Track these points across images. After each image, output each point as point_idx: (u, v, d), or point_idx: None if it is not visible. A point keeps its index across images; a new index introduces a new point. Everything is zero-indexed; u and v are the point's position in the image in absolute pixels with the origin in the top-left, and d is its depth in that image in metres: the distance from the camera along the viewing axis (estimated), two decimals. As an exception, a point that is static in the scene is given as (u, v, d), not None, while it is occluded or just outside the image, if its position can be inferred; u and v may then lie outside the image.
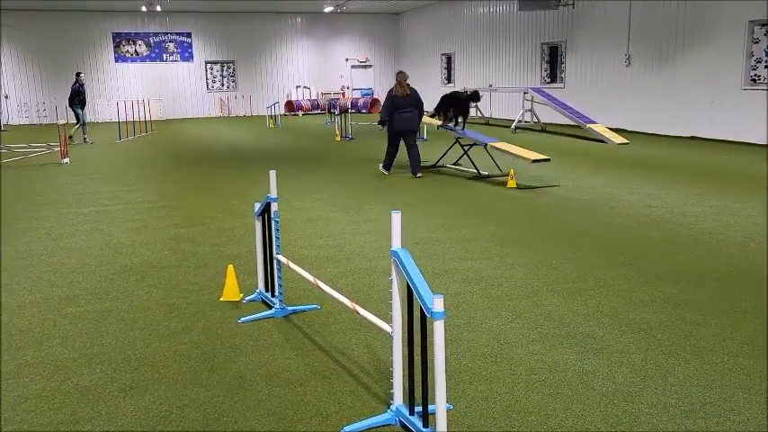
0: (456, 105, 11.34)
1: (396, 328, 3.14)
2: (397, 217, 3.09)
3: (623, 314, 4.47)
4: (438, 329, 2.66)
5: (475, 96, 11.53)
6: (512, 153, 10.32)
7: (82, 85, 18.34)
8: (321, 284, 4.02)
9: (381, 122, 10.95)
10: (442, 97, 11.59)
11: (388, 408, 3.22)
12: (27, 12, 26.22)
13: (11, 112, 26.93)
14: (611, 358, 3.77)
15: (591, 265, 5.67)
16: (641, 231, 6.86)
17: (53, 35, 26.89)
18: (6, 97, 26.85)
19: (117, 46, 28.16)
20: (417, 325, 2.94)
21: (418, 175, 10.82)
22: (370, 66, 32.00)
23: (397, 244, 3.10)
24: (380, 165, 11.34)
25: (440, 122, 11.81)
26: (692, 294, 4.85)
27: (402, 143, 11.01)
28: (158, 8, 26.26)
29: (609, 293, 4.90)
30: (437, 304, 2.67)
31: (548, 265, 5.69)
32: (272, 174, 4.56)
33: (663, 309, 4.56)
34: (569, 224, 7.29)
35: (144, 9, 26.46)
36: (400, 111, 10.59)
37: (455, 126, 11.44)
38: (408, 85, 10.75)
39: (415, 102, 10.68)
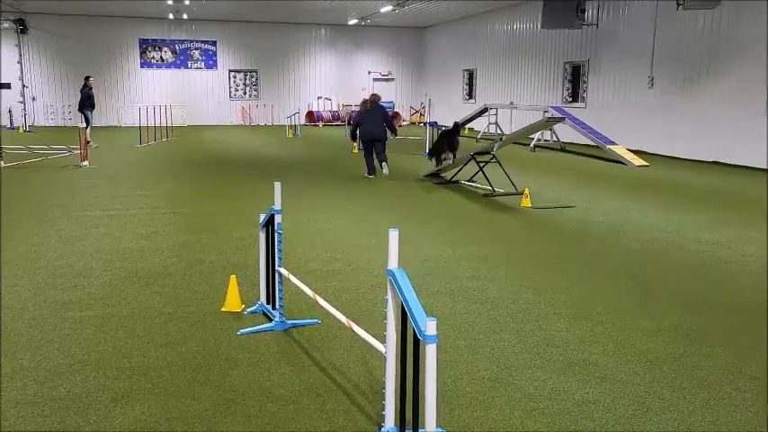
0: (449, 142, 11.94)
1: (390, 349, 3.07)
2: (394, 235, 3.03)
3: (630, 343, 4.35)
4: (430, 353, 2.58)
5: (456, 130, 12.31)
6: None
7: (91, 89, 18.81)
8: (320, 300, 3.97)
9: (352, 137, 13.27)
10: (440, 135, 12.50)
11: (380, 430, 3.15)
12: (56, 15, 26.69)
13: (37, 113, 27.35)
14: (614, 388, 3.66)
15: (600, 290, 5.55)
16: (654, 257, 6.72)
17: (81, 39, 27.32)
18: (33, 99, 27.29)
19: (143, 52, 28.53)
20: (412, 346, 2.86)
21: (383, 165, 12.59)
22: (393, 79, 32.06)
23: (393, 263, 3.03)
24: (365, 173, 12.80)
25: (438, 167, 12.22)
26: (703, 325, 4.72)
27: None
28: (185, 16, 26.62)
29: (616, 320, 4.79)
30: (430, 327, 2.59)
31: (556, 288, 5.58)
32: (277, 185, 4.53)
33: (671, 339, 4.44)
34: (581, 247, 7.17)
35: (171, 16, 26.81)
36: (365, 124, 12.48)
37: (450, 162, 11.83)
38: (374, 102, 12.62)
39: (381, 117, 12.48)
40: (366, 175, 12.64)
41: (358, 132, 12.73)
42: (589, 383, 3.72)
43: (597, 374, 3.84)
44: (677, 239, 7.52)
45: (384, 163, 12.68)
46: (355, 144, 17.56)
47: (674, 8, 15.10)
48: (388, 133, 12.69)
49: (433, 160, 12.34)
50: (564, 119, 9.93)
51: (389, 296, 3.07)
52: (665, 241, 7.43)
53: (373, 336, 3.47)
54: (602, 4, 18.66)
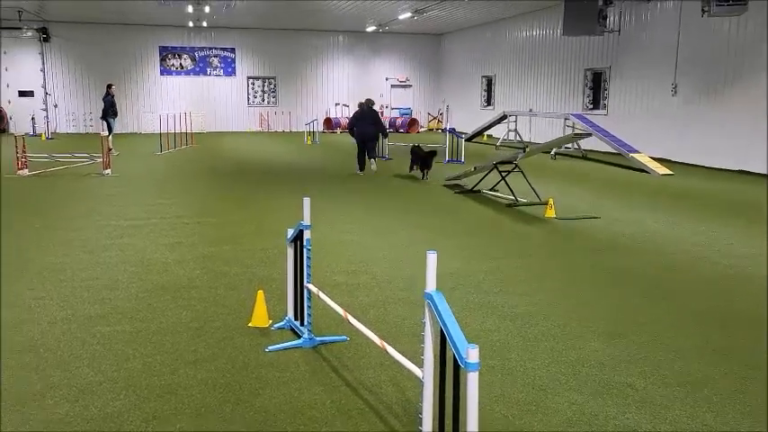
0: (419, 158, 13.63)
1: (427, 374, 3.00)
2: (432, 258, 2.96)
3: (667, 364, 4.25)
4: (472, 382, 2.51)
5: (434, 154, 13.73)
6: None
7: (114, 96, 19.05)
8: (351, 319, 3.91)
9: (351, 134, 14.65)
10: (411, 149, 14.22)
11: (416, 456, 3.08)
12: (77, 24, 26.97)
13: (59, 120, 27.64)
14: (655, 413, 3.56)
15: (632, 306, 5.44)
16: (686, 271, 6.59)
17: (102, 47, 27.58)
18: (56, 106, 27.59)
19: (163, 59, 28.74)
20: (450, 370, 2.79)
21: (357, 172, 14.20)
22: (410, 85, 32.03)
23: (431, 286, 2.96)
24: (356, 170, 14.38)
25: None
26: (739, 344, 4.60)
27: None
28: (204, 23, 26.77)
29: (651, 339, 4.68)
30: (472, 355, 2.52)
31: (586, 304, 5.48)
32: (306, 201, 4.48)
33: (710, 360, 4.32)
34: (609, 260, 7.05)
35: (191, 24, 26.99)
36: (361, 125, 14.08)
37: (423, 177, 13.57)
38: (368, 106, 14.24)
39: (372, 120, 14.13)
40: (357, 172, 14.24)
41: (355, 135, 14.33)
42: (629, 408, 3.62)
43: (636, 398, 3.74)
44: (708, 253, 7.37)
45: (373, 160, 14.38)
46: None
47: (698, 14, 14.90)
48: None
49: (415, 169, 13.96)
50: (591, 134, 9.81)
51: (427, 319, 3.00)
52: (695, 255, 7.29)
53: (402, 353, 3.41)
54: (625, 10, 18.48)
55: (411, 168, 14.04)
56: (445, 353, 2.84)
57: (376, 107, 15.80)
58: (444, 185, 12.49)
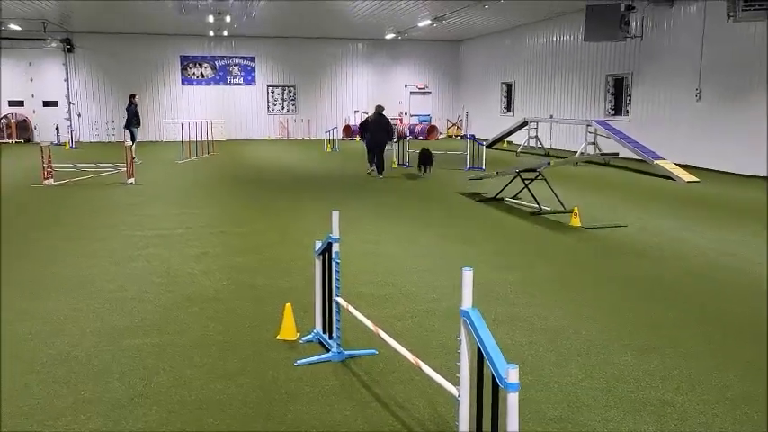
0: (424, 157, 15.75)
1: (463, 393, 2.96)
2: (468, 275, 2.92)
3: (704, 379, 4.15)
4: (512, 403, 2.46)
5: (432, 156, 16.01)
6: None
7: (137, 106, 19.28)
8: (383, 334, 3.87)
9: (361, 137, 16.36)
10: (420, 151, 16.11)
11: (452, 476, 3.02)
12: (101, 34, 27.33)
13: (82, 129, 27.99)
14: (695, 432, 3.48)
15: (665, 319, 5.34)
16: (718, 283, 6.46)
17: (124, 57, 27.92)
18: (79, 116, 27.95)
19: (184, 68, 29.01)
20: (488, 389, 2.74)
21: (381, 176, 15.10)
22: (429, 92, 32.00)
23: (468, 303, 2.92)
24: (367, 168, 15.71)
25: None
26: (780, 359, 4.49)
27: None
28: (225, 33, 26.99)
29: (687, 354, 4.58)
30: (512, 375, 2.48)
31: (618, 316, 5.39)
32: (335, 214, 4.46)
33: (745, 374, 4.22)
34: (639, 270, 6.94)
35: (211, 33, 27.23)
36: (372, 132, 15.13)
37: (423, 173, 15.70)
38: (380, 114, 15.25)
39: (384, 127, 15.10)
40: (371, 172, 15.52)
41: (366, 140, 15.57)
42: (667, 425, 3.54)
43: (674, 416, 3.66)
44: (738, 263, 7.23)
45: (381, 168, 15.39)
46: (394, 160, 17.62)
47: (722, 19, 14.71)
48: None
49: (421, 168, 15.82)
50: (617, 154, 9.72)
51: (463, 337, 2.96)
52: (726, 265, 7.16)
53: (433, 367, 3.37)
54: (647, 15, 18.31)
55: (419, 168, 15.93)
56: (482, 371, 2.79)
57: (389, 115, 16.79)
58: (464, 194, 12.42)
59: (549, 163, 10.54)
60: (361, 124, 16.18)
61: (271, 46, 29.52)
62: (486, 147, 19.82)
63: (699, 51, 16.51)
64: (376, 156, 15.26)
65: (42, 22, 23.53)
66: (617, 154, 10.99)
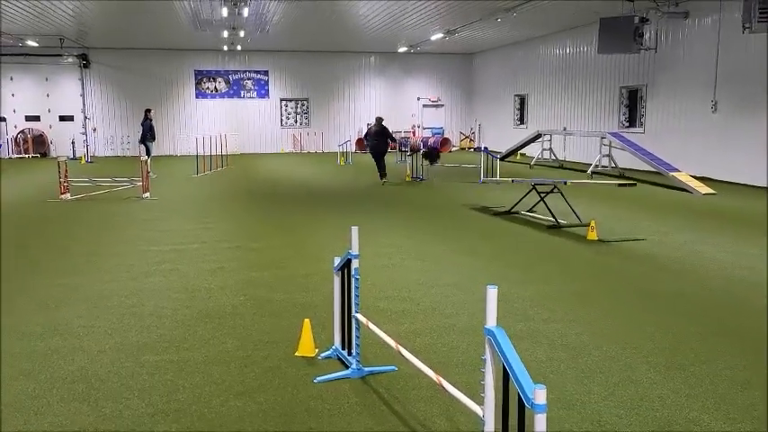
0: (429, 155, 18.72)
1: (488, 413, 2.92)
2: (493, 293, 2.88)
3: (730, 397, 4.08)
4: (540, 424, 2.42)
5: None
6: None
7: (152, 121, 19.48)
8: (404, 351, 3.84)
9: (363, 147, 18.82)
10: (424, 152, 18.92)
11: (477, 497, 2.98)
12: (116, 50, 27.65)
13: (98, 144, 28.26)
14: (723, 452, 3.41)
15: (688, 335, 5.26)
16: (740, 298, 6.38)
17: (139, 71, 28.21)
18: (94, 130, 28.24)
19: (198, 83, 29.26)
20: (514, 410, 2.70)
21: (383, 181, 16.71)
22: (442, 105, 32.05)
23: (492, 321, 2.88)
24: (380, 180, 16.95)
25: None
26: (807, 377, 4.40)
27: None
28: (239, 47, 27.21)
29: (711, 371, 4.51)
30: (539, 396, 2.44)
31: (640, 332, 5.32)
32: (354, 230, 4.45)
33: (775, 393, 4.15)
34: (659, 285, 6.87)
35: (225, 48, 27.47)
36: (372, 140, 16.88)
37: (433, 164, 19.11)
38: (380, 124, 16.80)
39: (382, 135, 16.66)
40: (380, 180, 16.76)
41: (369, 149, 17.30)
42: (694, 446, 3.48)
43: (702, 435, 3.59)
44: (759, 277, 7.14)
45: (383, 173, 16.86)
46: (408, 173, 17.67)
47: (737, 31, 14.64)
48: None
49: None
50: (635, 184, 9.65)
51: (488, 356, 2.92)
52: (747, 279, 7.07)
53: (454, 384, 3.33)
54: (661, 27, 18.25)
55: (428, 161, 18.94)
56: (508, 391, 2.76)
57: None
58: (479, 207, 12.38)
59: (566, 182, 10.47)
60: (365, 135, 18.09)
61: (284, 60, 29.71)
62: (500, 159, 19.80)
63: (714, 63, 16.43)
64: (378, 162, 16.71)
65: (59, 38, 23.85)
66: (634, 184, 10.88)
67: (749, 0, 12.68)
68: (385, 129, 16.84)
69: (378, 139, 16.67)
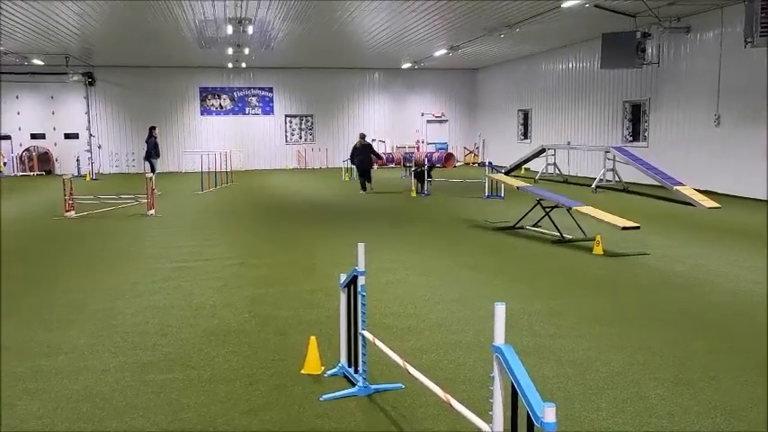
0: (418, 174, 18.23)
1: (496, 431, 2.89)
2: (501, 310, 2.87)
3: (740, 413, 4.04)
4: (549, 443, 2.40)
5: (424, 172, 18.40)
6: (598, 218, 9.88)
7: (157, 138, 19.55)
8: (411, 369, 3.82)
9: (351, 161, 19.23)
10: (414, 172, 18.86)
11: None
12: (121, 67, 27.86)
13: (102, 161, 28.39)
14: (735, 471, 3.37)
15: (695, 350, 5.22)
16: (747, 312, 6.33)
17: (144, 89, 28.39)
18: (99, 147, 28.38)
19: (203, 100, 29.43)
20: (523, 428, 2.68)
21: (360, 192, 18.09)
22: (446, 120, 32.14)
23: (500, 338, 2.87)
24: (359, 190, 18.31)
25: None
26: (818, 392, 4.36)
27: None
28: (243, 64, 27.40)
29: (720, 386, 4.47)
30: (548, 414, 2.42)
31: (646, 348, 5.28)
32: (361, 246, 4.44)
33: (786, 409, 4.10)
34: (665, 299, 6.83)
35: (230, 65, 27.65)
36: (358, 155, 18.39)
37: (422, 183, 18.32)
38: (363, 140, 18.63)
39: (367, 151, 18.35)
40: (360, 191, 18.14)
41: (355, 164, 18.71)
42: (705, 464, 3.44)
43: (712, 453, 3.55)
44: (763, 290, 7.09)
45: (368, 183, 18.40)
46: (414, 188, 17.71)
47: (739, 45, 14.67)
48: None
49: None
50: (638, 227, 9.54)
51: (496, 373, 2.90)
52: (753, 293, 7.02)
53: (461, 401, 3.30)
54: (663, 42, 18.32)
55: (360, 186, 19.00)
56: (516, 409, 2.73)
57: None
58: (484, 222, 12.36)
59: (569, 208, 10.44)
60: (350, 153, 19.19)
61: (288, 77, 29.88)
62: (504, 174, 19.82)
63: (716, 77, 16.46)
64: (364, 175, 18.32)
65: (65, 56, 24.04)
66: (638, 227, 10.28)
67: (750, 14, 12.72)
68: (369, 145, 18.56)
69: (363, 155, 18.33)
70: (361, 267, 4.41)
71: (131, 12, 16.52)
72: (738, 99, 15.93)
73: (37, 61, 24.28)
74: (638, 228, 9.47)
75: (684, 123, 17.94)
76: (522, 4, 15.57)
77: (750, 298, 6.83)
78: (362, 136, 19.03)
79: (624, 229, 9.39)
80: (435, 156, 29.27)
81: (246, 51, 22.96)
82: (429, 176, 18.05)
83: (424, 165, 18.32)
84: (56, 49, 22.13)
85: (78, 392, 4.49)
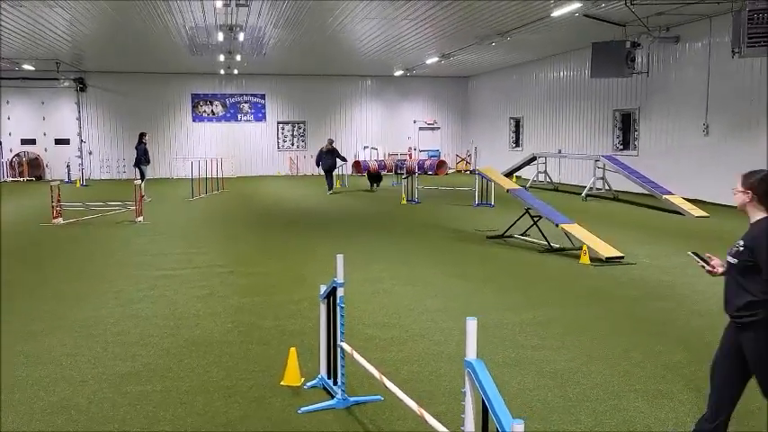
0: (372, 176, 21.40)
1: (468, 447, 2.87)
2: (472, 325, 2.86)
3: (718, 427, 4.02)
4: (518, 460, 2.38)
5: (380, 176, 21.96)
6: (582, 240, 9.83)
7: (147, 144, 19.46)
8: (387, 382, 3.80)
9: (317, 164, 21.06)
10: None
11: None
12: (113, 73, 27.79)
13: (93, 167, 28.29)
14: (710, 485, 3.35)
15: (677, 361, 5.22)
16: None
17: (136, 95, 28.33)
18: (90, 153, 28.28)
19: (195, 106, 29.39)
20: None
21: (329, 192, 20.19)
22: (438, 128, 32.19)
23: (472, 354, 2.85)
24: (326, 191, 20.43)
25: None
26: (797, 405, 4.35)
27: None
28: (235, 71, 27.39)
29: (700, 399, 4.45)
30: (517, 431, 2.40)
31: (628, 359, 5.28)
32: (340, 258, 4.42)
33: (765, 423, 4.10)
34: (649, 310, 6.84)
35: (222, 72, 27.63)
36: (325, 159, 20.47)
37: (373, 188, 21.45)
38: (331, 145, 20.82)
39: (333, 154, 20.53)
40: (327, 192, 20.35)
41: (321, 165, 20.73)
42: (681, 478, 3.42)
43: (688, 467, 3.54)
44: (752, 301, 7.09)
45: (331, 186, 20.72)
46: (403, 196, 17.66)
47: (727, 55, 14.77)
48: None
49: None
50: (623, 256, 9.52)
51: (467, 389, 2.88)
52: (739, 303, 7.02)
53: (439, 414, 3.31)
54: (653, 52, 18.42)
55: (371, 185, 21.79)
56: (487, 425, 2.71)
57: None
58: (472, 231, 12.37)
59: (557, 225, 10.45)
60: (316, 157, 21.16)
61: (281, 83, 29.88)
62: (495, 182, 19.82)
63: (705, 86, 16.56)
64: (329, 177, 20.52)
65: (56, 62, 23.97)
66: (622, 257, 10.08)
67: (738, 25, 12.80)
68: (335, 149, 20.87)
69: (330, 159, 20.52)
70: (340, 279, 4.39)
71: (122, 18, 16.50)
72: (727, 108, 16.01)
73: (27, 66, 24.20)
74: (622, 257, 9.41)
75: (674, 132, 18.03)
76: (513, 12, 15.63)
77: (734, 308, 6.83)
78: (331, 141, 21.18)
79: (608, 259, 9.35)
80: (427, 163, 29.30)
81: (238, 58, 22.95)
82: (378, 182, 21.38)
83: (378, 170, 21.58)
84: (46, 54, 22.06)
85: (54, 404, 4.44)
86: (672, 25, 17.20)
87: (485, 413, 2.72)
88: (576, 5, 14.24)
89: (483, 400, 2.69)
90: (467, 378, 2.87)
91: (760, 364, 3.29)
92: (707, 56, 16.48)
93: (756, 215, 3.46)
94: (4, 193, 21.45)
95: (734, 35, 13.10)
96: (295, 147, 30.73)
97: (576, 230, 10.20)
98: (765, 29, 12.54)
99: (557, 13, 15.00)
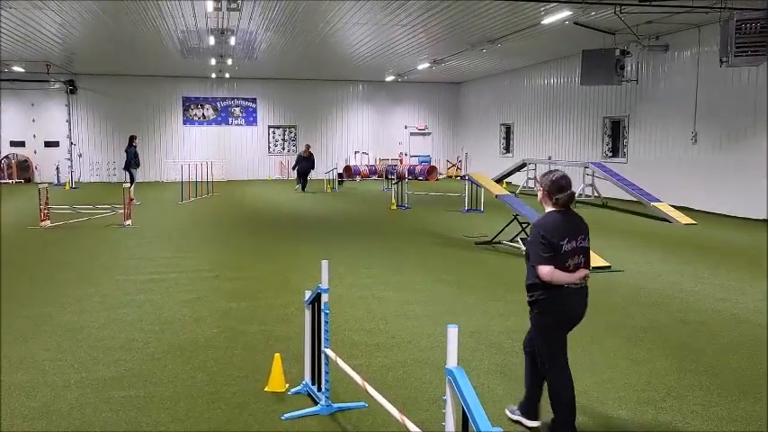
0: (300, 175, 23.36)
1: (448, 455, 2.87)
2: (453, 332, 2.86)
3: (700, 435, 4.05)
4: (496, 468, 2.39)
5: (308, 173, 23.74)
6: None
7: (136, 147, 19.40)
8: (370, 389, 3.79)
9: (293, 167, 24.05)
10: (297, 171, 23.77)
11: None
12: (103, 76, 27.69)
13: (83, 170, 28.14)
14: (690, 494, 3.37)
15: (661, 369, 5.24)
16: (715, 331, 6.37)
17: (127, 98, 28.22)
18: (80, 156, 28.14)
19: (186, 109, 29.31)
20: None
21: (304, 190, 22.78)
22: (429, 133, 32.25)
23: (452, 362, 2.85)
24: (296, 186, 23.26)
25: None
26: (778, 413, 4.38)
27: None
28: (227, 75, 27.35)
29: (683, 407, 4.48)
30: (496, 439, 2.41)
31: (613, 367, 5.30)
32: (324, 264, 4.42)
33: (749, 430, 4.12)
34: (635, 318, 6.86)
35: (213, 75, 27.59)
36: (303, 163, 23.22)
37: (302, 188, 23.17)
38: (308, 151, 23.57)
39: (309, 160, 23.39)
40: (296, 188, 23.24)
41: (297, 168, 23.36)
42: (661, 486, 3.44)
43: (669, 475, 3.55)
44: (737, 310, 7.15)
45: (305, 186, 23.08)
46: (393, 202, 17.69)
47: (715, 64, 14.89)
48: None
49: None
50: (610, 266, 9.55)
51: (448, 396, 2.89)
52: (725, 312, 7.08)
53: (423, 422, 3.31)
54: (642, 60, 18.55)
55: (297, 182, 23.59)
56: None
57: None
58: (461, 237, 12.39)
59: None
60: (297, 158, 23.94)
61: (272, 87, 29.87)
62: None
63: (694, 95, 16.68)
64: (303, 179, 23.05)
65: (46, 63, 23.86)
66: (609, 267, 10.16)
67: (726, 34, 12.91)
68: (312, 155, 23.69)
69: (306, 163, 23.28)
70: (324, 285, 4.39)
71: (113, 21, 16.45)
72: (715, 117, 16.14)
73: (17, 68, 24.07)
74: (608, 267, 9.43)
75: (662, 140, 18.14)
76: (505, 19, 15.71)
77: (719, 316, 6.88)
78: (308, 146, 23.93)
79: (594, 268, 9.36)
80: (418, 168, 29.36)
81: (230, 62, 22.94)
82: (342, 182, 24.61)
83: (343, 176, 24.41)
84: (37, 56, 21.96)
85: (35, 410, 4.41)
86: (661, 34, 17.34)
87: (464, 421, 2.73)
88: (567, 13, 14.33)
89: (463, 408, 2.70)
90: (447, 386, 2.87)
91: None
92: (695, 64, 16.61)
93: None
94: (-9, 195, 21.29)
95: (722, 44, 13.20)
96: (286, 151, 30.69)
97: None
98: (753, 38, 12.65)
99: (547, 20, 15.09)
